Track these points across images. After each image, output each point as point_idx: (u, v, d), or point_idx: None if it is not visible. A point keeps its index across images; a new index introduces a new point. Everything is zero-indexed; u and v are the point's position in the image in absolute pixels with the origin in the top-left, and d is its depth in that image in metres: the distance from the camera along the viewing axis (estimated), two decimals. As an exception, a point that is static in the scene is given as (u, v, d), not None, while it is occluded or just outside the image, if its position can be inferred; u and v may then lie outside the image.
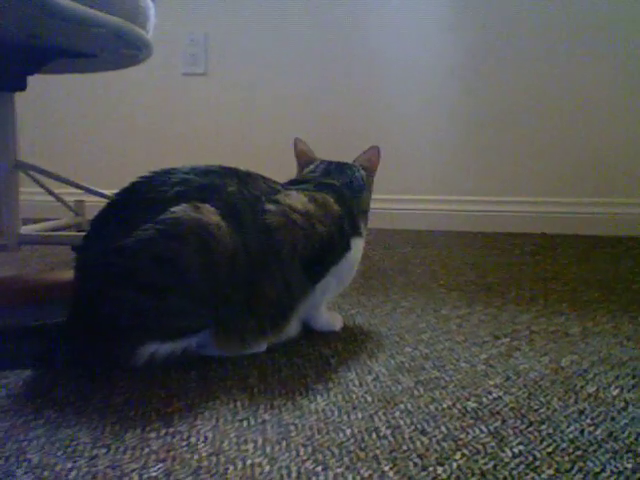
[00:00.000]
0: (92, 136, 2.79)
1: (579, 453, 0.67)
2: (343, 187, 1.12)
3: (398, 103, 2.49)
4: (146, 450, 0.68)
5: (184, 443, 0.70)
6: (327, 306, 1.14)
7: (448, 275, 1.62)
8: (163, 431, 0.73)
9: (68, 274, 1.19)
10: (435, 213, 2.49)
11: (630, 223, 2.28)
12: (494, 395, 0.83)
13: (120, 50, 1.26)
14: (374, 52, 2.50)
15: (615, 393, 0.84)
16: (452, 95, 2.46)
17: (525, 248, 2.05)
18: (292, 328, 1.04)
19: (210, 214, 0.89)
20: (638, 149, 2.30)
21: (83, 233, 0.99)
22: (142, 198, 0.92)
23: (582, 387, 0.86)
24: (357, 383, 0.87)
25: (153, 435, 0.72)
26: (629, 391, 0.84)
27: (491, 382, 0.88)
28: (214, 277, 0.89)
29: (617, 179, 2.33)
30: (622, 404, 0.80)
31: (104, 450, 0.68)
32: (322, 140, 2.47)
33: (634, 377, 0.89)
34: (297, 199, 1.01)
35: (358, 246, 1.11)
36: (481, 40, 2.40)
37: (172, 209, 0.88)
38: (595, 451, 0.68)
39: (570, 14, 2.30)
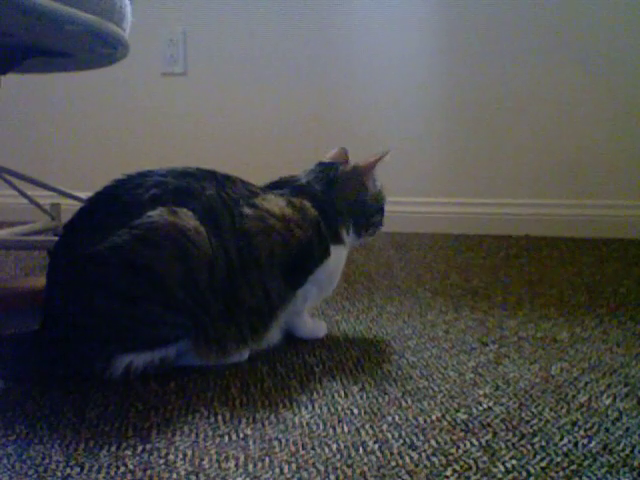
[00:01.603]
0: (68, 138, 2.73)
1: (574, 468, 0.65)
2: (321, 188, 1.06)
3: (382, 105, 2.47)
4: (122, 469, 0.65)
5: (162, 461, 0.66)
6: (310, 312, 1.11)
7: (433, 279, 1.60)
8: (140, 448, 0.69)
9: (42, 281, 1.14)
10: (418, 215, 2.46)
11: (614, 225, 2.27)
12: (484, 406, 0.80)
13: (95, 49, 1.22)
14: (356, 51, 2.47)
15: (608, 402, 0.81)
16: (434, 97, 2.44)
17: (509, 251, 2.03)
18: (273, 335, 1.01)
19: (188, 218, 0.86)
20: (622, 151, 2.30)
21: (59, 237, 0.95)
22: (117, 201, 0.89)
23: (574, 396, 0.84)
24: (342, 394, 0.84)
25: (129, 452, 0.68)
26: (622, 400, 0.82)
27: (480, 392, 0.85)
28: (192, 284, 0.86)
29: (600, 181, 2.32)
30: (615, 414, 0.78)
31: (77, 469, 0.65)
32: (305, 140, 2.45)
33: (626, 385, 0.87)
34: (275, 203, 0.98)
35: (339, 254, 1.06)
36: (462, 42, 2.39)
37: (148, 213, 0.85)
38: (590, 465, 0.66)
39: (553, 17, 2.29)
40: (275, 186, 1.06)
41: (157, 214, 0.85)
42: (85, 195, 1.41)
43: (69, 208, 1.34)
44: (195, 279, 0.86)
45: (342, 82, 2.50)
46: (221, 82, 2.60)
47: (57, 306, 0.88)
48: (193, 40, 2.60)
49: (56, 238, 1.35)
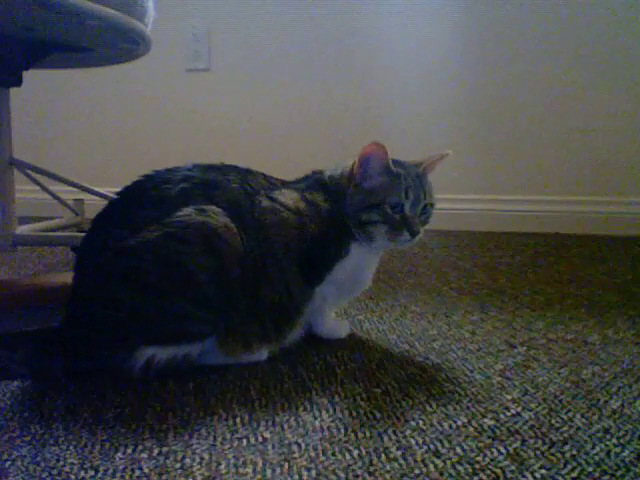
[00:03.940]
0: (91, 133, 2.74)
1: (607, 478, 0.62)
2: (333, 184, 1.01)
3: (400, 103, 2.44)
4: (137, 473, 0.63)
5: (178, 465, 0.65)
6: (334, 312, 1.09)
7: (459, 277, 1.57)
8: (156, 451, 0.68)
9: (64, 277, 1.14)
10: (443, 212, 2.42)
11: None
12: (512, 411, 0.77)
13: (117, 44, 1.22)
14: (374, 48, 2.44)
15: (642, 409, 0.78)
16: (463, 94, 2.41)
17: (538, 249, 1.99)
18: (296, 333, 0.99)
19: (217, 215, 0.87)
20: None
21: (82, 233, 0.95)
22: (146, 196, 0.90)
23: (605, 402, 0.80)
24: (365, 397, 0.82)
25: (145, 455, 0.67)
26: (657, 407, 0.79)
27: (508, 396, 0.82)
28: (224, 281, 0.86)
29: (632, 177, 2.26)
30: (650, 422, 0.75)
31: (92, 472, 0.63)
32: (330, 136, 2.43)
33: (661, 391, 0.84)
34: (289, 197, 0.97)
35: (360, 253, 0.99)
36: (479, 37, 2.35)
37: (178, 213, 0.85)
38: (623, 475, 0.63)
39: (581, 16, 2.24)
40: (300, 180, 1.05)
41: (187, 213, 0.85)
42: (108, 191, 1.41)
43: (92, 204, 1.34)
44: (226, 275, 0.86)
45: (370, 76, 2.47)
46: (245, 78, 2.58)
47: (86, 297, 0.88)
48: (217, 36, 2.59)
49: (80, 234, 1.35)
